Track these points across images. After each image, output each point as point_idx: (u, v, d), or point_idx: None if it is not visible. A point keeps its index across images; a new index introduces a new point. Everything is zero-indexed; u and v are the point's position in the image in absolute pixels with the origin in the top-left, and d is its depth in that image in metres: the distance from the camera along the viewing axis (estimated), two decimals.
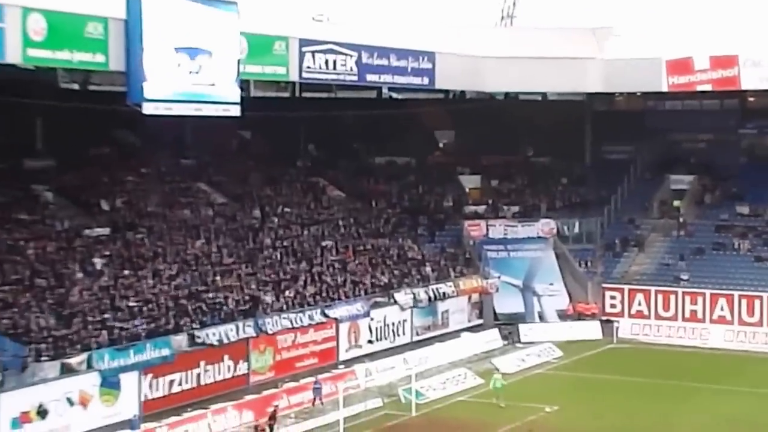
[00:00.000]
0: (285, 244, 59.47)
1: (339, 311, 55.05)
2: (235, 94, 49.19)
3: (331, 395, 48.04)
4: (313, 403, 47.86)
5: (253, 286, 53.31)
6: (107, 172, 58.51)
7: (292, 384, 49.21)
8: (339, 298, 56.14)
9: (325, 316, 54.02)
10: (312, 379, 49.43)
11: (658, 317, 65.77)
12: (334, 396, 46.24)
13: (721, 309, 64.27)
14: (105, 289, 47.31)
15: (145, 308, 47.00)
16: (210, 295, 50.66)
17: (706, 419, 46.44)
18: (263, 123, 65.12)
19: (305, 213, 65.02)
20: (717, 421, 46.21)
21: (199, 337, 46.74)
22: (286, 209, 63.97)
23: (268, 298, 52.69)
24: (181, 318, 47.56)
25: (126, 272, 49.27)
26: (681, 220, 71.28)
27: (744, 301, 63.77)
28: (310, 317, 53.14)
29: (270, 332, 50.56)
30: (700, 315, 64.82)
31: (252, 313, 50.70)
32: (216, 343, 47.40)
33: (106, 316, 45.43)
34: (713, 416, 46.89)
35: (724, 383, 53.65)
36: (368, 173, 75.74)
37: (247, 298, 51.83)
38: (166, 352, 45.05)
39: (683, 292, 65.50)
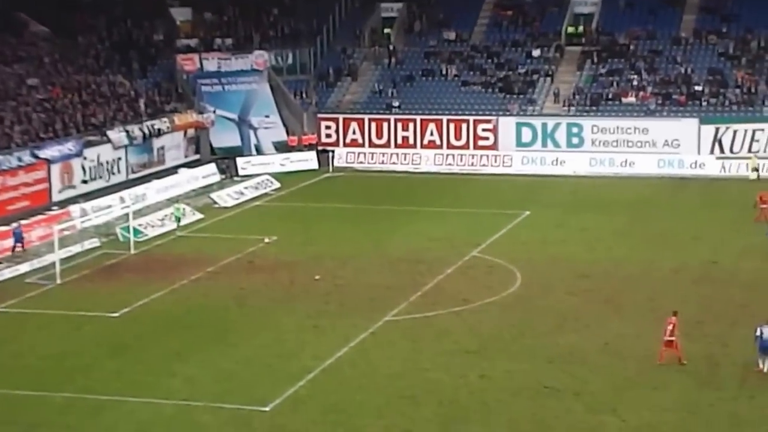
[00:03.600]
0: None
1: (50, 152, 53.98)
2: None
3: (45, 237, 47.54)
4: (13, 250, 46.57)
5: None
6: None
7: (2, 228, 48.22)
8: (49, 138, 55.00)
9: (35, 157, 52.92)
10: (12, 225, 47.94)
11: (372, 145, 67.99)
12: (49, 238, 45.79)
13: (431, 134, 67.10)
14: None
15: None
16: None
17: (417, 241, 48.84)
18: None
19: (7, 50, 62.68)
20: (425, 240, 48.68)
21: None
22: None
23: None
24: None
25: None
26: (391, 48, 73.17)
27: (452, 126, 66.78)
28: (19, 159, 51.94)
29: None
30: (411, 141, 67.49)
31: None
32: None
33: None
34: (424, 237, 49.35)
35: (434, 205, 56.45)
36: (72, 7, 73.30)
37: None
38: None
39: (395, 119, 67.90)
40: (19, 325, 38.05)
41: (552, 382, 31.40)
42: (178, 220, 51.85)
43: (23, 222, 48.96)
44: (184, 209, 53.00)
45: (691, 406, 29.83)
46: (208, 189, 60.30)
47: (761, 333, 31.69)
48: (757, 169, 61.15)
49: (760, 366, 31.80)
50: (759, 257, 44.81)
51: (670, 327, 32.54)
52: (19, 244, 46.82)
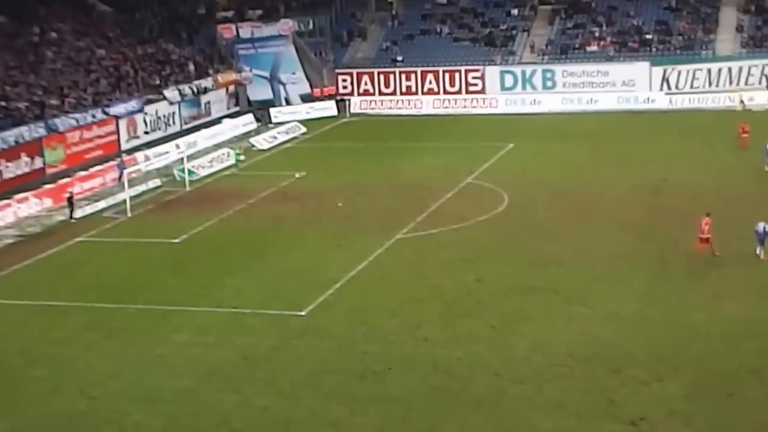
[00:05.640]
0: (63, 55, 56.99)
1: (117, 109, 53.89)
2: None
3: (116, 179, 47.52)
4: (120, 179, 46.97)
5: (40, 93, 51.21)
6: None
7: (82, 173, 48.27)
8: (116, 99, 54.79)
9: (106, 114, 52.84)
10: (117, 160, 49.07)
11: (381, 93, 67.43)
12: (121, 180, 45.75)
13: (430, 83, 66.48)
14: None
15: None
16: (2, 103, 48.38)
17: (421, 171, 48.60)
18: None
19: (79, 27, 62.19)
20: (427, 170, 48.44)
21: None
22: (61, 24, 60.95)
23: (54, 102, 50.84)
24: None
25: None
26: (393, 12, 72.30)
27: (447, 75, 66.18)
28: (93, 116, 51.85)
29: (60, 131, 49.10)
30: (414, 89, 66.88)
31: (41, 116, 48.92)
32: (13, 143, 45.80)
33: None
34: (427, 168, 49.12)
35: (434, 141, 56.08)
36: None
37: (35, 102, 49.83)
38: None
39: (399, 71, 67.23)
40: (98, 250, 38.22)
41: (535, 282, 31.41)
42: (239, 160, 51.62)
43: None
44: (240, 152, 52.68)
45: (647, 295, 29.86)
46: (247, 135, 60.00)
47: (761, 229, 31.66)
48: (743, 102, 58.86)
49: (758, 253, 31.75)
50: (700, 173, 44.54)
51: (705, 226, 31.82)
52: (122, 174, 46.90)
